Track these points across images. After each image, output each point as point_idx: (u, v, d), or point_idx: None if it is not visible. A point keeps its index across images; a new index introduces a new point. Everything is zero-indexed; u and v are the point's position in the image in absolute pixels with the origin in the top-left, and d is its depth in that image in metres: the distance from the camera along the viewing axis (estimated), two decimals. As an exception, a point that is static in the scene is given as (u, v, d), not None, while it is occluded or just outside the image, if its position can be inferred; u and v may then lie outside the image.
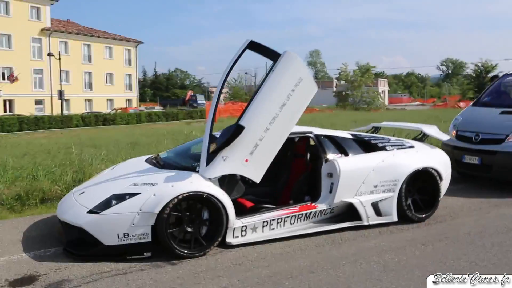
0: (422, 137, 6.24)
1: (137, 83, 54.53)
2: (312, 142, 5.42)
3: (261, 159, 4.53)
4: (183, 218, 4.23)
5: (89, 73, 47.83)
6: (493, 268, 4.00)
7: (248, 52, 4.56)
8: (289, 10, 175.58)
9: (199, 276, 3.86)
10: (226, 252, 4.41)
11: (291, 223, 4.88)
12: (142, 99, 62.75)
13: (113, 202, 4.21)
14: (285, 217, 4.81)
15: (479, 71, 61.03)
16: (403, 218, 5.29)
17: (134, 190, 4.28)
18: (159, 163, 5.06)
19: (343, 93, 55.50)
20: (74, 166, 7.73)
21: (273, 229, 4.76)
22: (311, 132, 5.31)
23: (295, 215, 4.88)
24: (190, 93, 64.59)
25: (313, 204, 5.01)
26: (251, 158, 4.46)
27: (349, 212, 5.16)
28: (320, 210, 5.01)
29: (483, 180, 7.33)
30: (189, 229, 4.26)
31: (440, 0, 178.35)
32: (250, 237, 4.61)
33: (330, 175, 5.07)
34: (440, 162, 5.67)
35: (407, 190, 5.31)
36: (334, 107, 49.27)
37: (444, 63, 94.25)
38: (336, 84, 71.51)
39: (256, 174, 4.55)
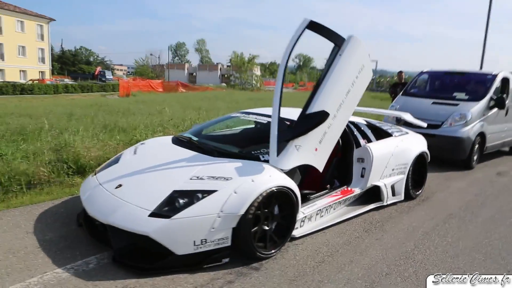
0: (400, 123, 5.62)
1: (50, 56, 46.41)
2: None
3: (325, 147, 3.39)
4: (261, 216, 2.94)
5: (0, 44, 39.16)
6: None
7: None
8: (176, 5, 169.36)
9: (298, 283, 2.67)
10: (294, 247, 3.23)
11: (334, 209, 3.87)
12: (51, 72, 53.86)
13: (180, 201, 2.73)
14: (332, 203, 3.78)
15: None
16: (406, 196, 4.64)
17: (206, 186, 2.83)
18: (202, 148, 3.56)
19: (227, 75, 57.42)
20: (48, 143, 5.56)
21: (322, 216, 3.70)
22: None
23: (339, 201, 3.87)
24: (99, 68, 57.17)
25: (349, 188, 4.04)
26: (319, 147, 3.30)
27: (368, 194, 4.33)
28: (355, 195, 4.08)
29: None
30: (266, 227, 2.99)
31: (285, 9, 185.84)
32: (307, 227, 3.49)
33: (362, 160, 4.14)
34: (426, 145, 5.11)
35: (412, 171, 4.65)
36: (225, 87, 47.63)
37: (297, 57, 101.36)
38: (220, 68, 72.06)
39: (320, 162, 3.41)
